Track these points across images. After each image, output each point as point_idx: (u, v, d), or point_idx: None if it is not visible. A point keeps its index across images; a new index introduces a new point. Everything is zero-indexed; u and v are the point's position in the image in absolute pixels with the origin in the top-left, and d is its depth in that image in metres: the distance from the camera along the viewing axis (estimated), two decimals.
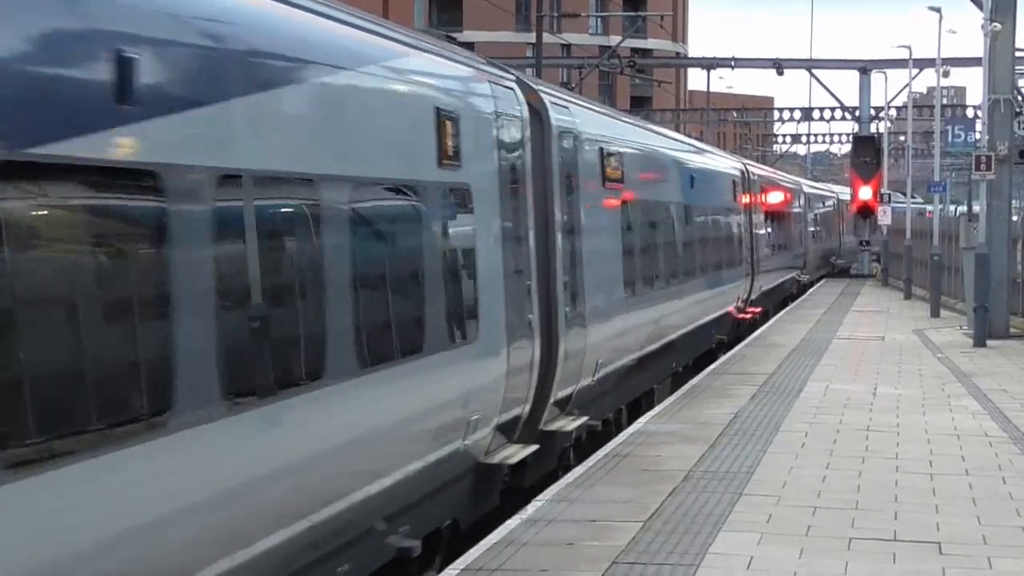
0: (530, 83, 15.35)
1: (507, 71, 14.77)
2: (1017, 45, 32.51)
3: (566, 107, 16.54)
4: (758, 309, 35.70)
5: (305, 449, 8.68)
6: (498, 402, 12.94)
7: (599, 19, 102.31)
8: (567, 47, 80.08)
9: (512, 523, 11.79)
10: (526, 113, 14.51)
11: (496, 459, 13.10)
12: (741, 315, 32.84)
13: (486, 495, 13.11)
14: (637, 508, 12.34)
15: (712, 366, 24.67)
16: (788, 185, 50.48)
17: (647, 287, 20.36)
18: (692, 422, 17.53)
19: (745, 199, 34.61)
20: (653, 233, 21.43)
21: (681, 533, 11.40)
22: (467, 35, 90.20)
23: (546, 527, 11.62)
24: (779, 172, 58.59)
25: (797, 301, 45.50)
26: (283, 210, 8.72)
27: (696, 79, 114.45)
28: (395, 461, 10.31)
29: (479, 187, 12.50)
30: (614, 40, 70.39)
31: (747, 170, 36.24)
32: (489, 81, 13.53)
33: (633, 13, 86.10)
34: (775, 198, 43.61)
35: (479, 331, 12.24)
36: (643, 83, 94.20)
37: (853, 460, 14.81)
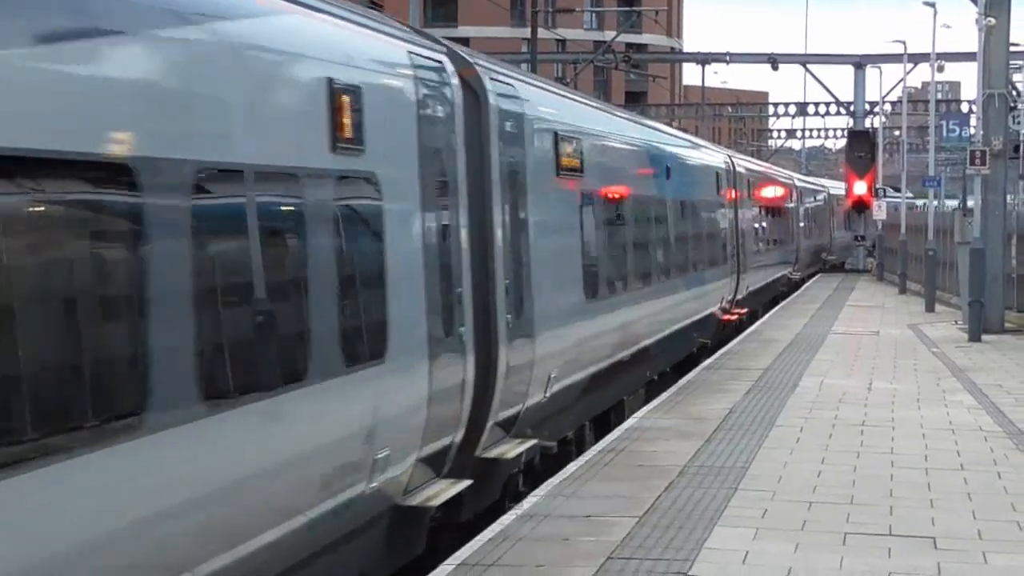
0: (465, 56, 13.15)
1: (437, 41, 12.69)
2: (1011, 40, 32.50)
3: (511, 85, 14.28)
4: (744, 310, 33.50)
5: (121, 513, 6.74)
6: (418, 432, 10.87)
7: (594, 14, 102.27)
8: (562, 42, 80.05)
9: (507, 518, 11.80)
10: (458, 91, 12.31)
11: (416, 500, 11.15)
12: (726, 316, 30.72)
13: (407, 541, 11.07)
14: (632, 503, 12.34)
15: (707, 361, 24.65)
16: (778, 178, 48.61)
17: (612, 289, 18.30)
18: (687, 417, 17.53)
19: (730, 193, 32.39)
20: (620, 230, 19.25)
21: (676, 528, 11.40)
22: (462, 31, 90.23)
23: (542, 522, 11.62)
24: (771, 166, 56.61)
25: (792, 296, 45.44)
26: (74, 202, 6.61)
27: (691, 74, 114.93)
28: (267, 517, 8.32)
29: (390, 176, 10.30)
30: (609, 35, 70.38)
31: (733, 162, 34.03)
32: (409, 52, 11.28)
33: (628, 8, 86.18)
34: (764, 192, 41.56)
35: (388, 349, 10.02)
36: (638, 78, 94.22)
37: (848, 455, 14.81)
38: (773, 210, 44.23)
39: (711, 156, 31.18)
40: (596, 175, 17.82)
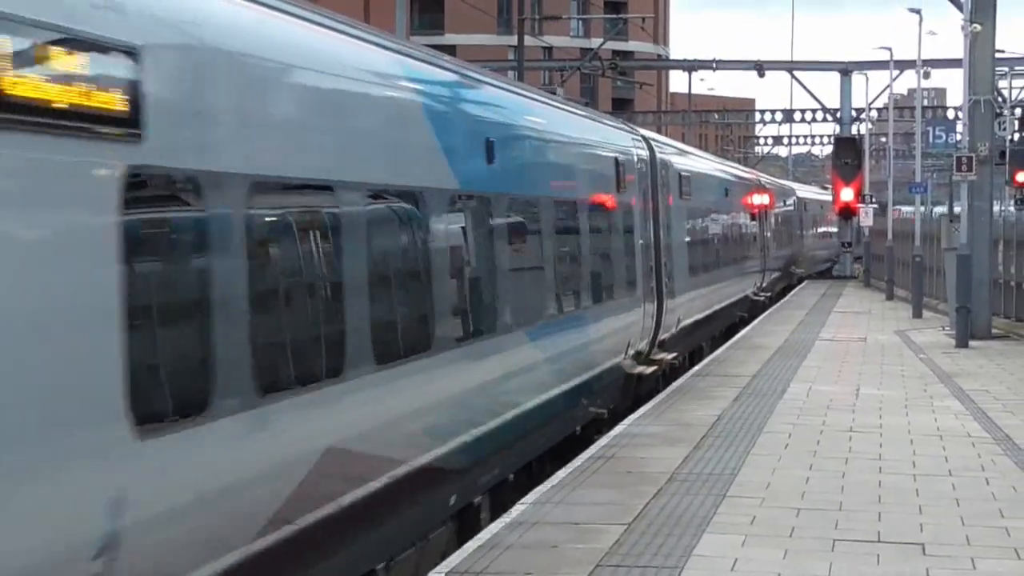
0: None
1: None
2: (997, 46, 32.59)
3: None
4: (674, 354, 23.77)
5: None
6: None
7: (580, 22, 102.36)
8: (548, 50, 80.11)
9: (496, 526, 11.78)
10: None
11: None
12: (642, 368, 21.38)
13: None
14: (621, 510, 12.33)
15: (695, 368, 24.61)
16: (730, 176, 38.26)
17: (278, 382, 8.61)
18: (676, 424, 17.51)
19: (645, 191, 22.55)
20: (315, 254, 9.52)
21: (665, 535, 11.39)
22: (449, 38, 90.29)
23: (530, 529, 11.60)
24: (724, 161, 45.70)
25: (778, 304, 45.31)
26: None
27: (678, 81, 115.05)
28: None
29: None
30: (595, 43, 70.40)
31: (653, 149, 23.62)
32: None
33: (614, 16, 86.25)
34: (708, 193, 31.34)
35: None
36: (625, 85, 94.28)
37: (836, 461, 14.81)
38: (726, 216, 34.82)
39: (607, 136, 20.70)
40: (215, 138, 8.00)
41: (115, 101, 6.76)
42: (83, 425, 6.50)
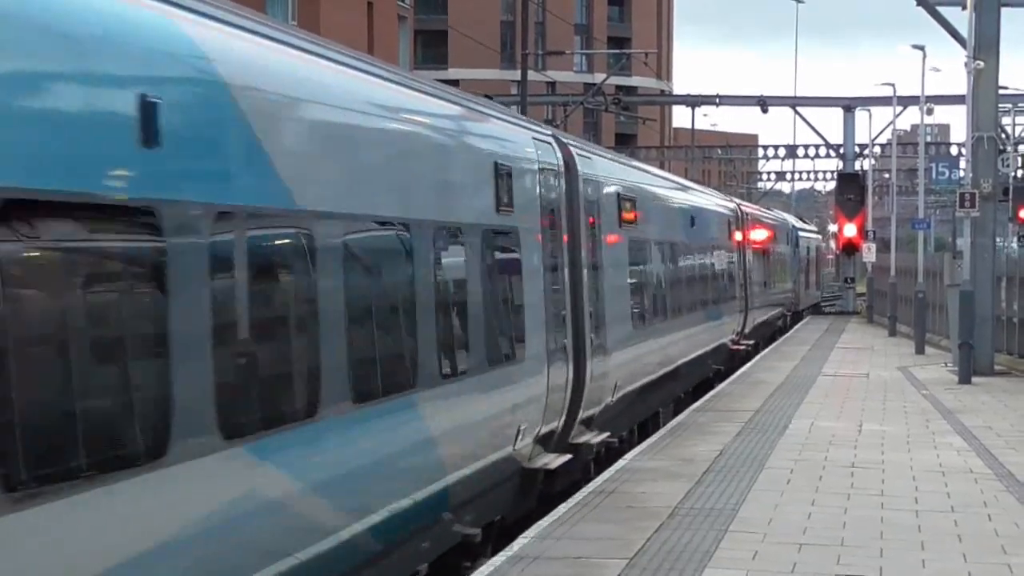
0: None
1: None
2: (1000, 83, 32.63)
3: None
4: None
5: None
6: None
7: (584, 57, 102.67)
8: (552, 84, 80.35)
9: (498, 560, 11.75)
10: None
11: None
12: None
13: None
14: (622, 545, 12.30)
15: (696, 404, 24.57)
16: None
17: None
18: (677, 459, 17.49)
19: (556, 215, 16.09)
20: None
21: (667, 570, 11.36)
22: (452, 73, 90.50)
23: (531, 564, 11.57)
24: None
25: (781, 339, 45.20)
26: None
27: (681, 116, 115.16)
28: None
29: None
30: (599, 78, 70.62)
31: (574, 158, 16.90)
32: None
33: (618, 51, 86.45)
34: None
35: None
36: (628, 120, 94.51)
37: (838, 497, 14.78)
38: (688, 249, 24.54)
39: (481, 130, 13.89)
40: None
41: None
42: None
